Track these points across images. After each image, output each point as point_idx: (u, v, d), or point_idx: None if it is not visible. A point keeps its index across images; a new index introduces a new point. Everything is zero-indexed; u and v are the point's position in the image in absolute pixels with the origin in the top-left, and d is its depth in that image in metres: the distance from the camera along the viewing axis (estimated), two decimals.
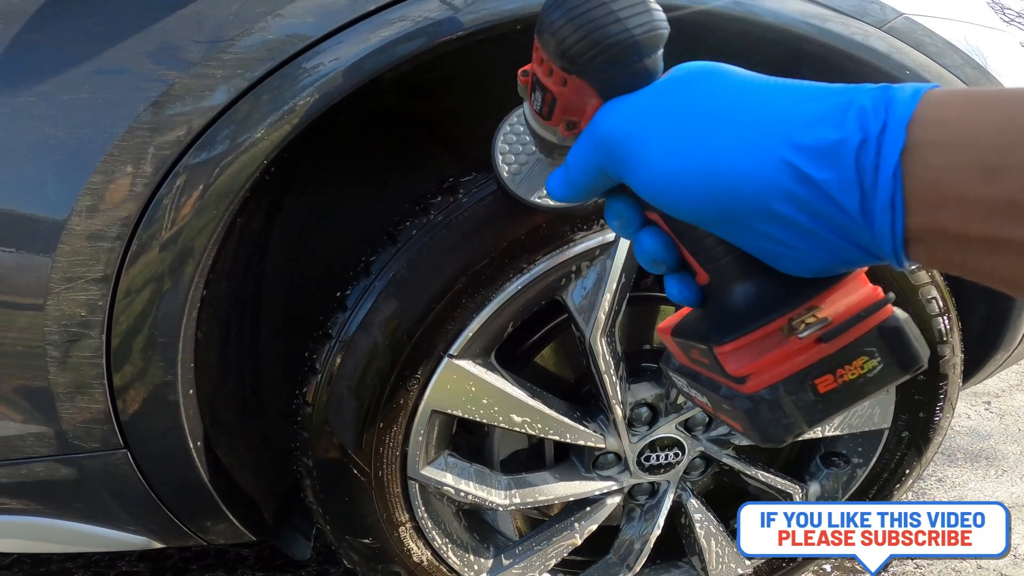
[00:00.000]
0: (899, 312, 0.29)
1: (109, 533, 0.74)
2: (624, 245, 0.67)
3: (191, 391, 0.65)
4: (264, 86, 0.55)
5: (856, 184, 0.24)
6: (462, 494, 0.74)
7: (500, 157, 0.54)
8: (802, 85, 0.27)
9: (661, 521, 0.82)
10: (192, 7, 0.55)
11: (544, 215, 0.63)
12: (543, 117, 0.36)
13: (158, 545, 0.78)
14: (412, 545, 0.77)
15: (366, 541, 0.76)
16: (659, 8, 0.32)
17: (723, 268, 0.30)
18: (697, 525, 0.83)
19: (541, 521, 0.86)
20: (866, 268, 0.29)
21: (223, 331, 0.71)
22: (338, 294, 0.66)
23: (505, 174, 0.53)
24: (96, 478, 0.68)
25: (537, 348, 0.78)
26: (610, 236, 0.67)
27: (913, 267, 0.25)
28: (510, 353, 0.74)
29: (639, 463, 0.77)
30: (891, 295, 0.29)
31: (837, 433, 0.79)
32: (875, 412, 0.79)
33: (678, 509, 0.83)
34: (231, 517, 0.75)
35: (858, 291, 0.29)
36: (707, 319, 0.31)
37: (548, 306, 0.74)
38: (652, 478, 0.79)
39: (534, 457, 0.82)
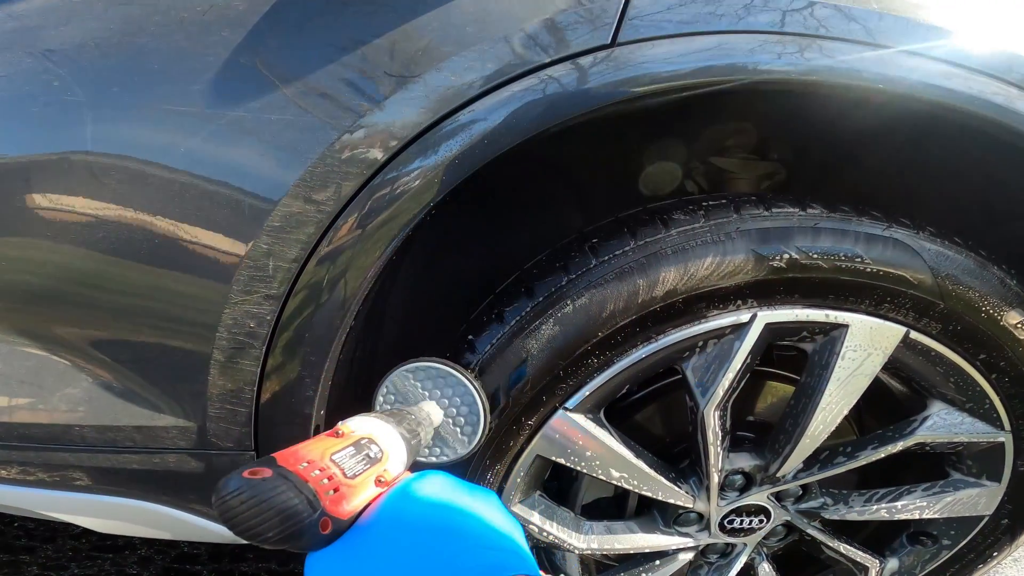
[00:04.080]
0: None
1: (206, 524, 0.76)
2: (756, 329, 0.67)
3: (323, 412, 0.69)
4: (443, 126, 0.56)
5: None
6: (544, 533, 0.75)
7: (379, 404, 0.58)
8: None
9: None
10: (387, 37, 0.55)
11: (682, 291, 0.64)
12: None
13: (244, 541, 0.82)
14: None
15: None
16: (294, 505, 0.37)
17: None
18: None
19: (608, 566, 0.87)
20: None
21: (352, 349, 0.73)
22: (469, 337, 0.67)
23: None
24: (219, 475, 0.71)
25: (640, 406, 0.80)
26: (744, 317, 0.67)
27: None
28: (612, 406, 0.76)
29: (721, 525, 0.78)
30: None
31: (935, 516, 0.79)
32: (980, 500, 0.78)
33: (747, 571, 0.84)
34: None
35: None
36: None
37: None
38: (730, 540, 0.80)
39: (615, 506, 0.84)
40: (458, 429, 0.58)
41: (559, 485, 0.82)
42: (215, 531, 0.80)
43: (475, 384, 0.56)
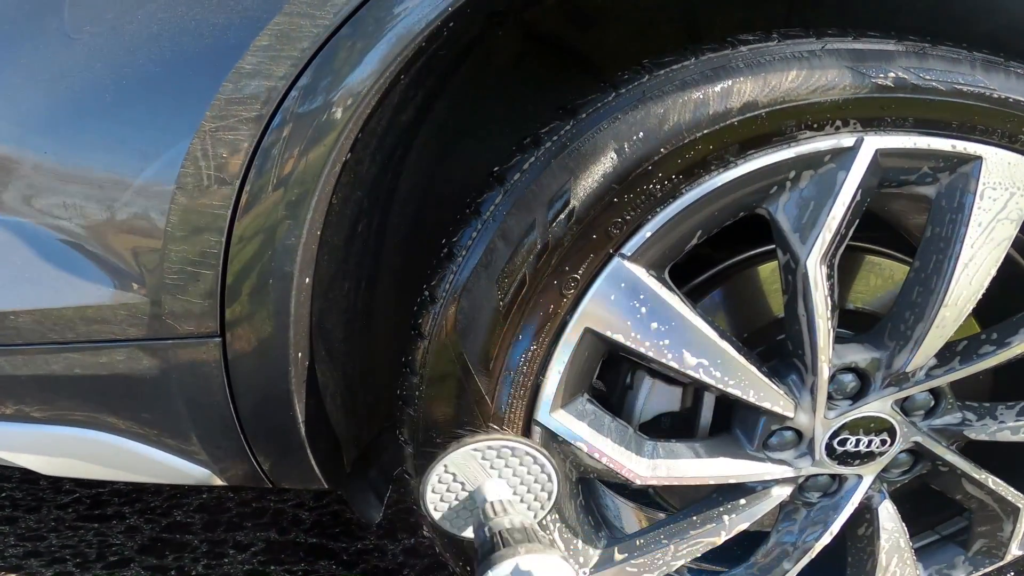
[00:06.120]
0: None
1: (170, 460, 0.61)
2: (865, 156, 0.49)
3: (307, 279, 0.52)
4: None
5: None
6: (596, 455, 0.56)
7: (430, 503, 0.53)
8: None
9: (837, 527, 0.60)
10: None
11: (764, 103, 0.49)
12: None
13: (219, 482, 0.65)
14: None
15: None
16: None
17: None
18: (884, 538, 0.60)
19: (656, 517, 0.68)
20: None
21: (354, 216, 0.57)
22: (495, 169, 0.52)
23: (431, 509, 0.54)
24: (176, 377, 0.54)
25: (705, 291, 0.62)
26: (847, 141, 0.50)
27: None
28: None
29: (828, 448, 0.56)
30: None
31: None
32: None
33: (860, 515, 0.61)
34: (309, 453, 0.60)
35: None
36: None
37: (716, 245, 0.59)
38: (840, 469, 0.57)
39: (681, 425, 0.64)
40: (534, 483, 0.54)
41: (608, 401, 0.63)
42: (179, 469, 0.62)
43: (508, 436, 0.52)
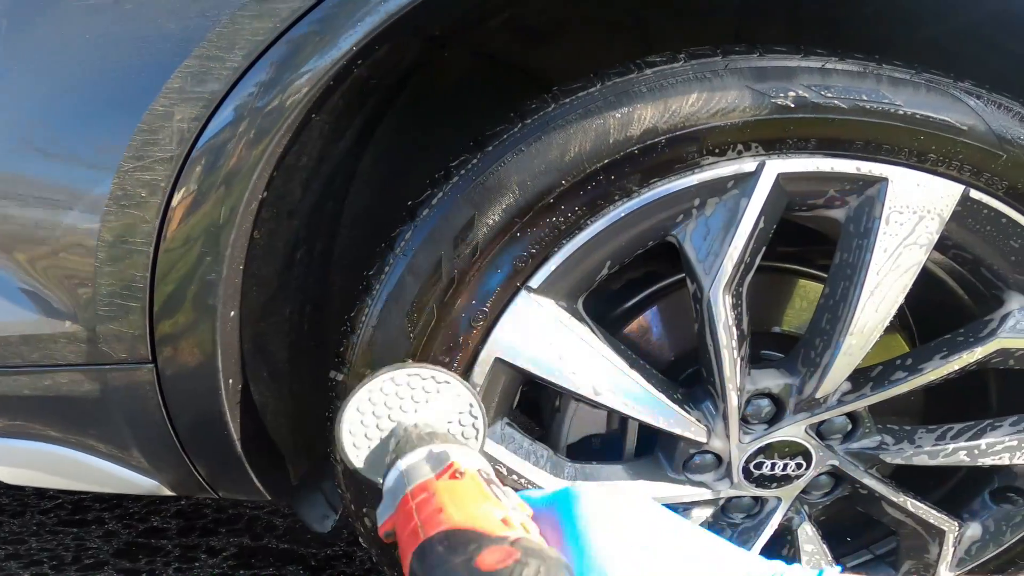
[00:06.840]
0: None
1: (121, 471, 0.63)
2: (766, 181, 0.50)
3: (232, 312, 0.54)
4: None
5: None
6: (515, 476, 0.57)
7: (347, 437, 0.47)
8: None
9: (758, 548, 0.61)
10: None
11: (664, 129, 0.50)
12: None
13: (167, 492, 0.67)
14: None
15: None
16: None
17: None
18: (804, 559, 0.60)
19: None
20: None
21: (290, 246, 0.59)
22: (409, 203, 0.53)
23: (349, 452, 0.47)
24: (116, 398, 0.56)
25: (628, 317, 0.63)
26: (748, 166, 0.51)
27: None
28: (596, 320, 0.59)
29: (746, 471, 0.57)
30: None
31: None
32: None
33: (782, 536, 0.61)
34: (248, 467, 0.62)
35: None
36: None
37: (646, 270, 0.60)
38: (759, 492, 0.58)
39: (609, 448, 0.65)
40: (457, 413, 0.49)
41: (538, 422, 0.64)
42: (130, 480, 0.65)
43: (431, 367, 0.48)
